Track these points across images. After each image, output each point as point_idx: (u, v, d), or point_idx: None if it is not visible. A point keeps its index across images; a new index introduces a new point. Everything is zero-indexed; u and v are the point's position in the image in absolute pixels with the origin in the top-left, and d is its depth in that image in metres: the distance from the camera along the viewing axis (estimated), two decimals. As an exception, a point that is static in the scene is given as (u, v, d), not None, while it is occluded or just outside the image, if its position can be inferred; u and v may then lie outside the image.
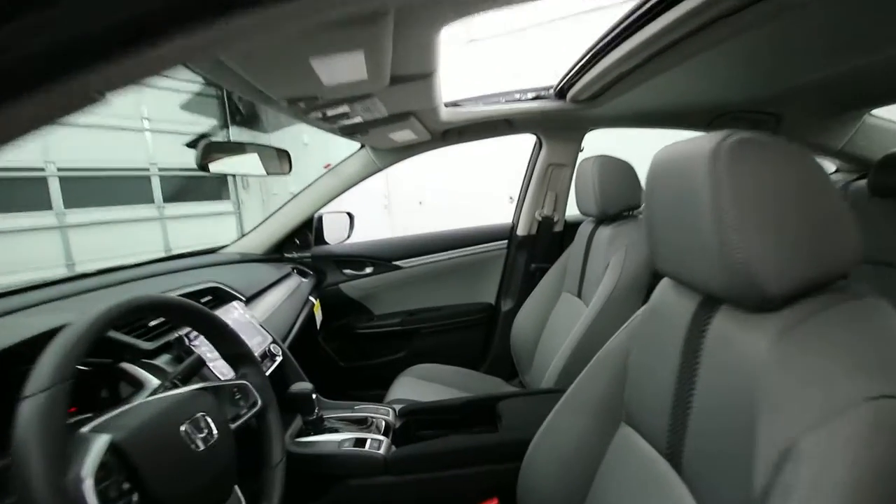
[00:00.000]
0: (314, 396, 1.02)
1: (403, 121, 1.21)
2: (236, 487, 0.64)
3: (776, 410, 0.43)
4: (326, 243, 1.85)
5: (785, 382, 0.44)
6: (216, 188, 6.66)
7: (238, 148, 1.59)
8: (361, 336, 1.81)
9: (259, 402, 0.76)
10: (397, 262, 1.81)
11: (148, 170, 5.51)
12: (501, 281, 1.83)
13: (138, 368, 0.79)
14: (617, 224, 1.29)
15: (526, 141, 1.75)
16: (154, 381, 0.77)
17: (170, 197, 5.79)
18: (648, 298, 0.71)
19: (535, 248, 1.76)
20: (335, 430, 1.04)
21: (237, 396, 0.73)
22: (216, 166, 1.32)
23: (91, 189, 4.90)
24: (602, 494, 0.74)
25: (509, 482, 0.87)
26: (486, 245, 1.84)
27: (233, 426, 0.69)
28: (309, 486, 0.95)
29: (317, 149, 4.45)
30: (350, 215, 1.92)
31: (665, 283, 0.69)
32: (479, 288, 1.85)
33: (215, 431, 0.61)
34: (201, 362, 0.79)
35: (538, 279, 1.62)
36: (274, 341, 1.14)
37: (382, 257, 1.81)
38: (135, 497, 0.49)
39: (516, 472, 0.85)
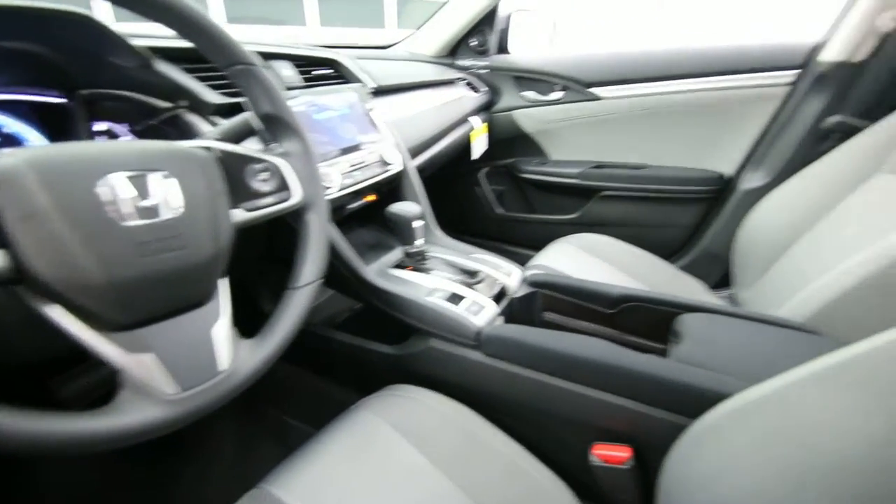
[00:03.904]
0: (415, 224, 0.75)
1: None
2: (220, 299, 0.43)
3: None
4: (508, 52, 1.42)
5: None
6: None
7: None
8: (527, 182, 1.45)
9: (293, 196, 0.51)
10: (596, 90, 1.28)
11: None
12: (758, 140, 1.15)
13: (198, 118, 0.62)
14: None
15: None
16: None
17: None
18: None
19: (853, 89, 0.99)
20: (438, 274, 0.78)
21: (262, 177, 0.49)
22: None
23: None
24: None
25: (659, 437, 0.50)
26: (749, 77, 1.13)
27: (244, 216, 0.46)
28: (388, 326, 0.75)
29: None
30: (552, 20, 1.41)
31: None
32: (712, 147, 1.21)
33: (180, 204, 0.39)
34: (248, 130, 0.57)
35: (832, 144, 0.92)
36: (397, 147, 0.88)
37: (577, 78, 1.30)
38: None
39: (674, 429, 0.47)
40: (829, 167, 0.91)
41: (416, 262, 0.79)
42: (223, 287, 0.44)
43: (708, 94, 1.17)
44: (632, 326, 0.72)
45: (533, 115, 1.39)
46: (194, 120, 0.62)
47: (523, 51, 1.43)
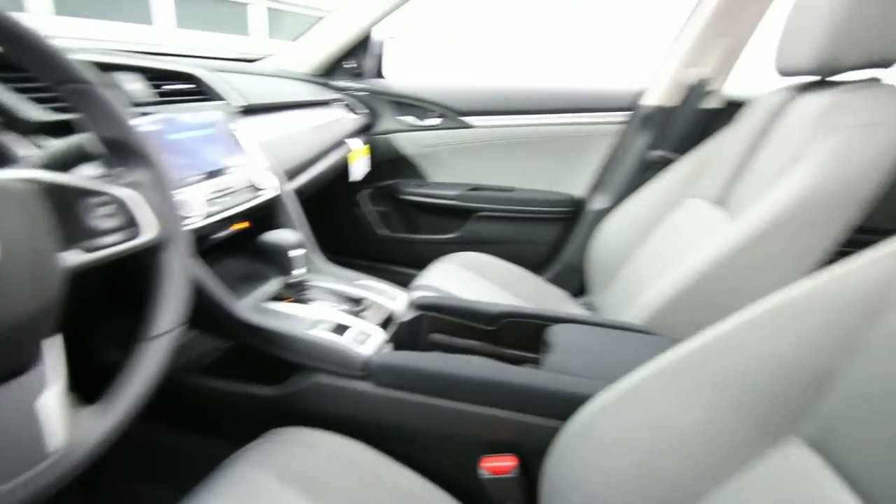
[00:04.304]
0: (293, 253, 0.72)
1: None
2: (48, 362, 0.36)
3: None
4: (383, 77, 1.45)
5: None
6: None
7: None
8: (408, 204, 1.48)
9: (145, 232, 0.45)
10: (468, 119, 1.38)
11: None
12: (602, 168, 1.34)
13: (15, 138, 0.51)
14: (844, 90, 0.72)
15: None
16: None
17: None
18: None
19: (668, 129, 1.22)
20: (320, 304, 0.75)
21: (103, 212, 0.42)
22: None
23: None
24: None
25: (538, 443, 0.55)
26: (593, 115, 1.32)
27: (79, 259, 0.39)
28: (266, 365, 0.69)
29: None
30: (423, 50, 1.48)
31: None
32: (566, 173, 1.38)
33: None
34: (83, 154, 0.49)
35: (655, 173, 1.13)
36: (270, 170, 0.83)
37: (451, 107, 1.38)
38: None
39: (552, 433, 0.52)
40: (653, 192, 1.10)
41: (295, 293, 0.75)
42: (53, 347, 0.37)
43: (561, 127, 1.34)
44: (511, 341, 0.77)
45: (412, 138, 1.43)
46: (8, 141, 0.51)
47: (400, 76, 1.47)
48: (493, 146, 1.38)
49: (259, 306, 0.72)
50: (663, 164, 1.15)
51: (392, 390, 0.64)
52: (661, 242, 1.02)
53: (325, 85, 1.37)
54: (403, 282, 1.11)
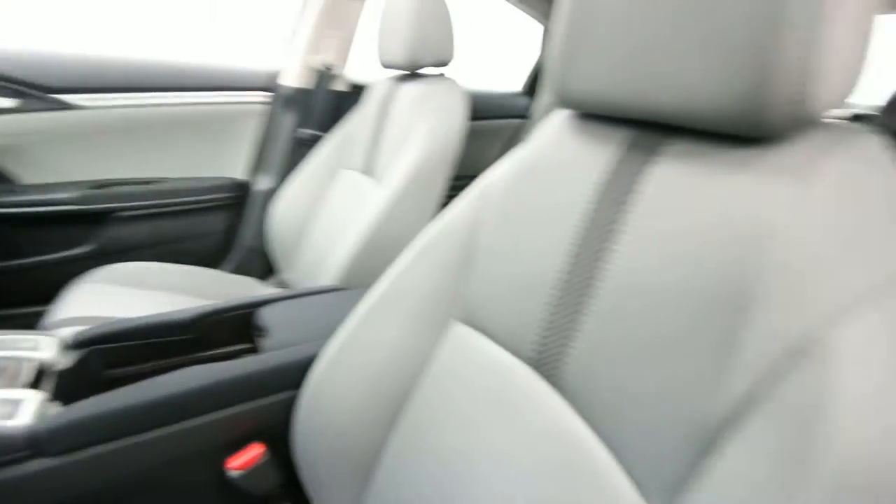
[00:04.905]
0: None
1: None
2: None
3: (789, 291, 0.30)
4: None
5: (810, 248, 0.30)
6: None
7: None
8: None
9: None
10: (65, 97, 1.07)
11: None
12: (258, 149, 1.34)
13: None
14: (426, 82, 1.01)
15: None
16: None
17: None
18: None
19: (308, 109, 1.33)
20: None
21: None
22: None
23: None
24: (422, 419, 0.53)
25: (284, 418, 0.59)
26: (235, 94, 1.28)
27: None
28: None
29: None
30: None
31: (557, 126, 0.48)
32: (221, 155, 1.30)
33: None
34: None
35: (308, 150, 1.24)
36: None
37: (34, 82, 1.03)
38: None
39: (292, 403, 0.57)
40: (313, 168, 1.21)
41: None
42: None
43: (200, 107, 1.24)
44: (217, 340, 0.73)
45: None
46: None
47: None
48: (118, 131, 1.14)
49: None
50: (314, 140, 1.27)
51: (83, 451, 0.51)
52: (330, 211, 1.15)
53: None
54: (25, 325, 0.82)
